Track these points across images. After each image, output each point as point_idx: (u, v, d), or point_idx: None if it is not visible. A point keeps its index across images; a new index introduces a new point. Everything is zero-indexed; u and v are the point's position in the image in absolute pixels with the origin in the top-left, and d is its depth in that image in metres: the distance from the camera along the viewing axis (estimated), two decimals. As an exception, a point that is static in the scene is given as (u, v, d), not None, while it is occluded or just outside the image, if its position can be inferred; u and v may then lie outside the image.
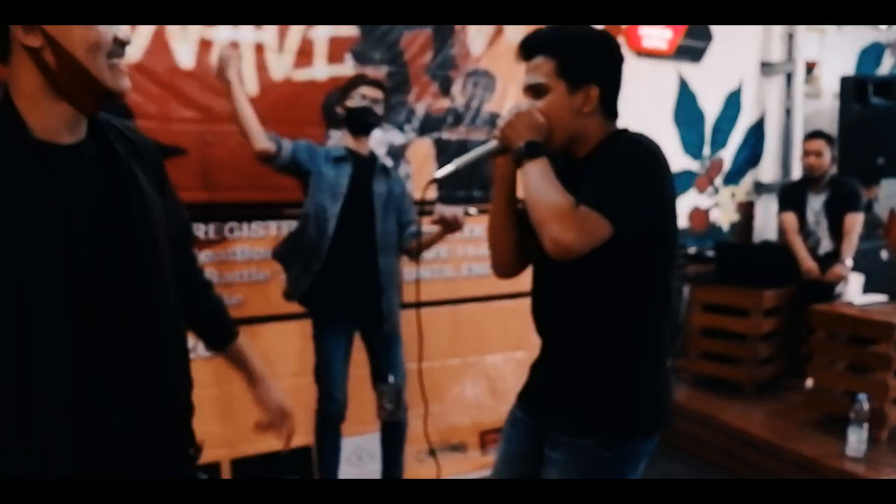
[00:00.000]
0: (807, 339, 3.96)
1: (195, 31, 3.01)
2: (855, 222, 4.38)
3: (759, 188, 5.43)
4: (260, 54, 3.17)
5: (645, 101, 4.58)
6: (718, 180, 5.25)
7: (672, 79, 4.93)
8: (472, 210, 3.29)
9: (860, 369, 3.74)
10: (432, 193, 3.50)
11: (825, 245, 4.52)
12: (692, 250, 4.87)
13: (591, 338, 1.70)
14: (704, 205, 5.20)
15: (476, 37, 3.72)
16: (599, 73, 1.68)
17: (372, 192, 2.99)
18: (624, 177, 1.58)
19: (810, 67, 5.57)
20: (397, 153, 3.58)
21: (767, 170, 5.45)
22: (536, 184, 1.58)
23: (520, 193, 1.72)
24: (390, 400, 3.07)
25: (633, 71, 4.69)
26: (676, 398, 4.17)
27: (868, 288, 4.35)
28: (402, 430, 3.17)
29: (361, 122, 3.00)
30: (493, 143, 1.71)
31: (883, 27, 5.80)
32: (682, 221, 5.10)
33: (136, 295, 1.23)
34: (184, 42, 3.01)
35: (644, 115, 4.47)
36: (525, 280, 1.90)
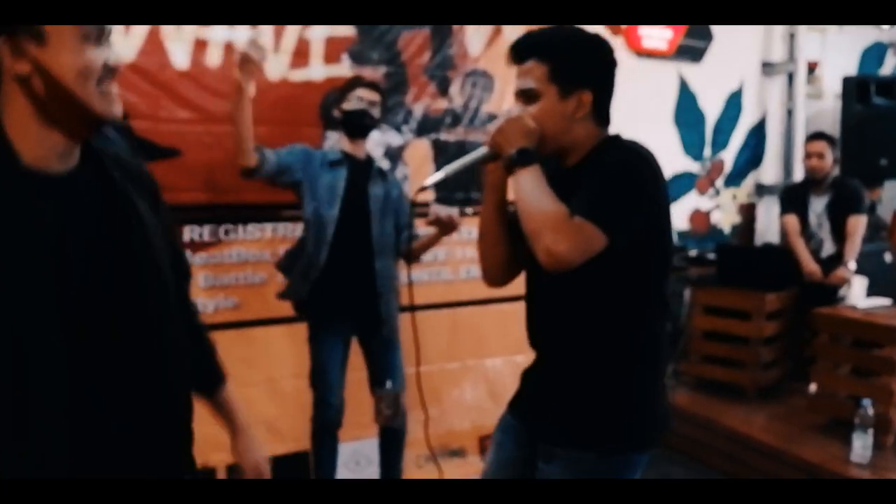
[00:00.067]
0: (810, 343, 3.96)
1: (190, 31, 3.02)
2: (858, 224, 4.39)
3: (761, 190, 5.45)
4: (256, 54, 3.18)
5: (645, 101, 4.59)
6: (719, 182, 5.26)
7: (672, 79, 4.94)
8: (468, 210, 3.30)
9: (864, 373, 3.74)
10: (429, 195, 3.51)
11: (828, 247, 4.53)
12: (693, 252, 4.88)
13: (584, 347, 1.69)
14: (705, 207, 5.21)
15: (474, 37, 3.73)
16: (592, 78, 1.67)
17: (368, 196, 2.99)
18: (618, 185, 1.56)
19: (812, 67, 5.59)
20: (395, 154, 3.58)
21: (769, 171, 5.46)
22: (529, 192, 1.57)
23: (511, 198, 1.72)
24: (388, 406, 3.06)
25: (633, 71, 4.75)
26: (678, 402, 4.17)
27: (872, 291, 4.36)
28: (401, 437, 3.17)
29: (358, 125, 3.00)
30: (483, 150, 1.70)
31: (885, 27, 5.82)
32: (683, 223, 5.10)
33: (135, 314, 1.22)
34: (178, 42, 3.01)
35: (644, 116, 4.50)
36: (526, 282, 1.90)
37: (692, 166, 5.11)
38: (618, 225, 1.53)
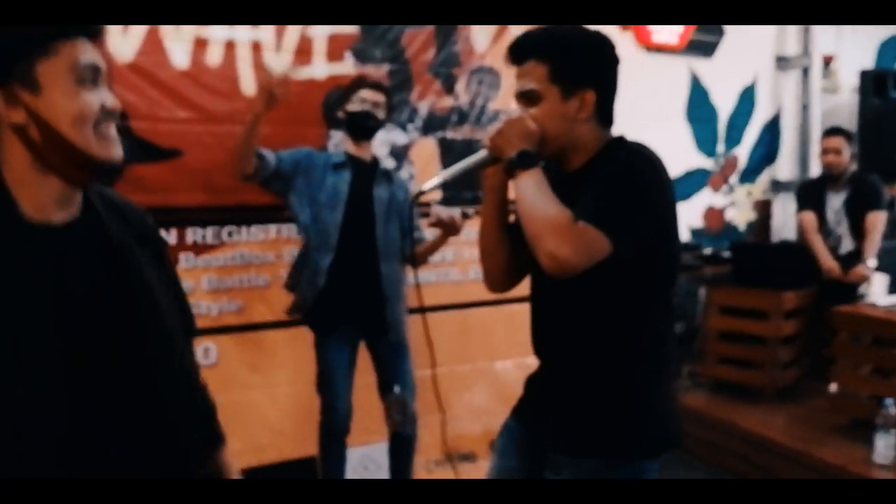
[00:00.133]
0: (829, 342, 3.93)
1: (189, 30, 3.03)
2: (877, 220, 4.36)
3: (777, 186, 5.42)
4: (257, 53, 3.18)
5: (656, 97, 4.59)
6: (734, 178, 5.23)
7: (684, 74, 4.93)
8: (470, 211, 3.29)
9: (886, 373, 3.70)
10: (436, 194, 3.51)
11: (846, 244, 4.50)
12: (708, 251, 4.85)
13: (589, 354, 1.66)
14: (719, 204, 5.19)
15: (480, 33, 3.73)
16: (595, 77, 1.64)
17: (373, 199, 2.99)
18: (622, 190, 1.54)
19: (827, 61, 5.55)
20: (400, 154, 3.58)
21: (784, 167, 5.44)
22: (530, 196, 1.55)
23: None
24: (397, 411, 3.05)
25: (644, 67, 4.75)
26: (694, 404, 4.15)
27: (893, 288, 4.33)
28: (411, 442, 3.15)
29: (362, 127, 3.00)
30: (483, 153, 1.67)
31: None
32: (697, 221, 5.08)
33: (135, 370, 1.21)
34: (178, 41, 3.02)
35: (655, 113, 4.50)
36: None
37: (705, 163, 5.09)
38: (622, 230, 1.50)
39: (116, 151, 1.19)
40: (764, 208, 5.40)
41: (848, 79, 5.59)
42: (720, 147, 5.14)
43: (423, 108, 3.63)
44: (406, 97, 3.57)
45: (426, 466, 3.43)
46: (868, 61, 5.73)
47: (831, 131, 4.57)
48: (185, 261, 3.09)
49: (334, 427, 3.02)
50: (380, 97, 3.01)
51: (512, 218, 1.76)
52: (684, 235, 4.95)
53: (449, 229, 2.86)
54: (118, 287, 1.21)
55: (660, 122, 4.55)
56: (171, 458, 1.26)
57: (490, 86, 3.79)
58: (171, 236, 3.05)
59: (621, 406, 1.65)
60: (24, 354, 1.11)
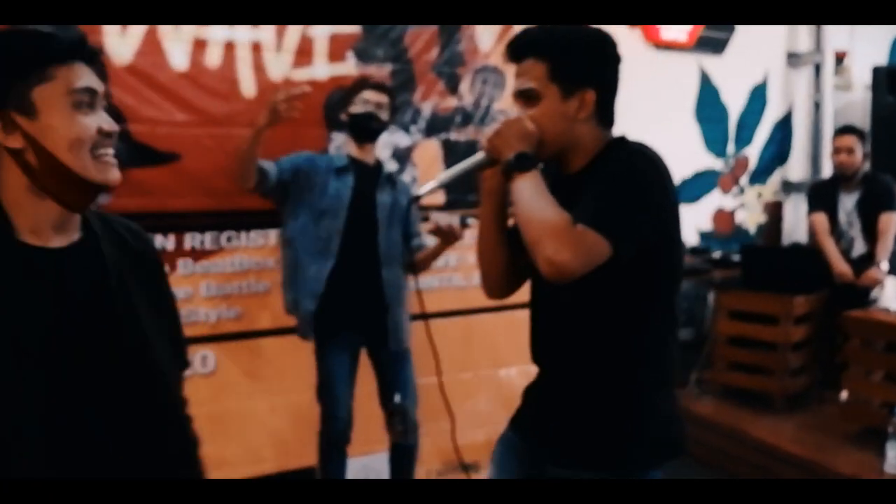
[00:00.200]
0: (841, 348, 3.92)
1: (188, 31, 3.03)
2: (890, 222, 4.34)
3: (788, 187, 5.41)
4: (257, 53, 3.19)
5: (665, 96, 4.58)
6: (744, 179, 5.22)
7: (693, 72, 4.91)
8: (470, 220, 3.28)
9: (899, 379, 3.71)
10: (440, 198, 3.51)
11: (859, 247, 4.49)
12: (717, 254, 4.85)
13: (590, 362, 1.65)
14: (729, 206, 5.18)
15: (484, 32, 3.73)
16: (595, 76, 1.63)
17: (376, 204, 2.99)
18: (623, 192, 1.52)
19: (840, 58, 5.53)
20: (403, 155, 3.58)
21: (796, 168, 5.42)
22: (528, 199, 1.54)
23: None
24: (399, 421, 3.05)
25: (652, 65, 4.73)
26: (702, 411, 4.15)
27: (906, 293, 4.32)
28: (412, 453, 3.16)
29: (365, 129, 2.99)
30: (480, 155, 1.66)
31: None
32: (706, 223, 5.07)
33: (124, 398, 1.23)
34: (177, 42, 3.02)
35: (664, 112, 4.49)
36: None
37: (715, 163, 5.08)
38: (623, 233, 1.49)
39: (113, 175, 1.21)
40: (775, 210, 5.39)
41: (861, 76, 5.57)
42: (730, 147, 5.13)
43: (427, 108, 3.62)
44: (409, 98, 3.57)
45: (427, 476, 3.43)
46: (882, 57, 5.70)
47: (843, 130, 4.56)
48: (183, 267, 3.09)
49: (335, 435, 3.02)
50: (383, 98, 3.00)
51: (511, 221, 1.75)
52: (693, 238, 4.95)
53: (448, 237, 2.86)
54: (107, 315, 1.22)
55: (668, 121, 4.54)
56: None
57: (495, 86, 3.78)
58: (168, 241, 3.05)
59: (623, 414, 1.64)
60: (17, 376, 1.12)
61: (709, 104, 5.00)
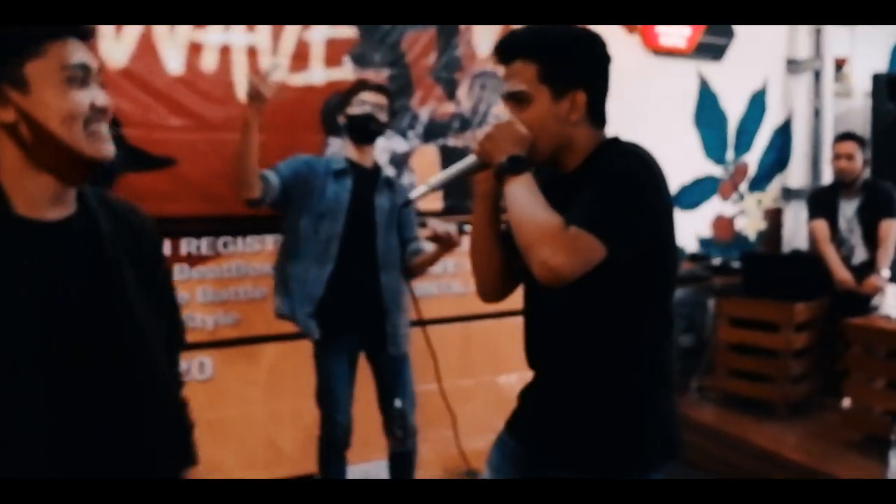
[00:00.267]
0: (842, 355, 3.94)
1: (184, 34, 3.04)
2: (891, 229, 4.37)
3: (788, 194, 5.42)
4: (253, 58, 3.20)
5: (663, 102, 4.60)
6: (743, 186, 5.24)
7: (692, 78, 4.93)
8: (468, 226, 3.29)
9: (901, 387, 3.72)
10: (437, 205, 3.52)
11: (859, 254, 4.51)
12: (717, 261, 4.86)
13: (585, 365, 1.66)
14: (729, 212, 5.19)
15: (482, 36, 3.74)
16: (586, 77, 1.64)
17: (374, 207, 3.00)
18: (617, 193, 1.53)
19: (840, 64, 5.56)
20: (400, 161, 3.59)
21: (796, 174, 5.44)
22: (521, 202, 1.54)
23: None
24: (398, 426, 3.06)
25: (651, 71, 4.75)
26: (703, 418, 4.15)
27: (907, 300, 4.33)
28: (411, 460, 3.16)
29: (364, 130, 3.00)
30: (472, 159, 1.67)
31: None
32: (706, 230, 5.09)
33: (118, 373, 1.25)
34: (172, 45, 3.03)
35: (663, 118, 4.52)
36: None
37: (714, 170, 5.09)
38: (617, 235, 1.50)
39: (107, 149, 1.23)
40: (775, 217, 5.40)
41: (861, 82, 5.60)
42: (730, 154, 5.14)
43: (424, 114, 3.64)
44: (406, 103, 3.59)
45: (427, 483, 3.43)
46: (882, 64, 5.73)
47: (843, 136, 4.58)
48: (179, 272, 3.10)
49: (334, 440, 3.03)
50: (382, 99, 3.01)
51: (505, 225, 1.76)
52: (693, 245, 4.96)
53: (445, 244, 2.87)
54: (102, 288, 1.24)
55: (667, 127, 4.57)
56: (136, 468, 1.27)
57: (493, 91, 3.80)
58: (164, 247, 3.05)
59: (619, 416, 1.65)
60: (11, 349, 1.14)
61: (708, 110, 5.01)
